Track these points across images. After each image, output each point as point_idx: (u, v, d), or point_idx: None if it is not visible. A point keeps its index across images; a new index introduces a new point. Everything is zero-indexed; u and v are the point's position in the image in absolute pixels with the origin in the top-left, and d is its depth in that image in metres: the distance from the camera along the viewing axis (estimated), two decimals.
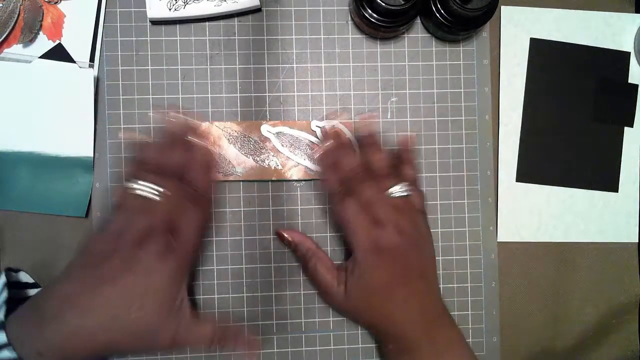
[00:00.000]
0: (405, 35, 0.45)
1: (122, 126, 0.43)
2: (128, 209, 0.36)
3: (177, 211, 0.36)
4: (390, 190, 0.37)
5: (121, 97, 0.43)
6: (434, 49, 0.45)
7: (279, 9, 0.44)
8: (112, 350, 0.35)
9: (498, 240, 0.45)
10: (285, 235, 0.41)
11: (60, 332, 0.32)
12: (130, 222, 0.35)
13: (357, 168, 0.38)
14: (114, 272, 0.33)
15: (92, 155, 0.42)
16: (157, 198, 0.35)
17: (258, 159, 0.43)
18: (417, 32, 0.45)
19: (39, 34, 0.42)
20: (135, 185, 0.36)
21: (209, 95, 0.43)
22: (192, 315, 0.36)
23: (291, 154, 0.43)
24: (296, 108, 0.44)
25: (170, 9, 0.42)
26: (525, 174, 0.45)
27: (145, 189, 0.36)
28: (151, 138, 0.42)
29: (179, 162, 0.38)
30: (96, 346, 0.33)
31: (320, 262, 0.39)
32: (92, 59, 0.42)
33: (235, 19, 0.44)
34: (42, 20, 0.42)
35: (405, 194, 0.38)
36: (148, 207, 0.35)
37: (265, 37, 0.44)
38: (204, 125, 0.43)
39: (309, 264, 0.40)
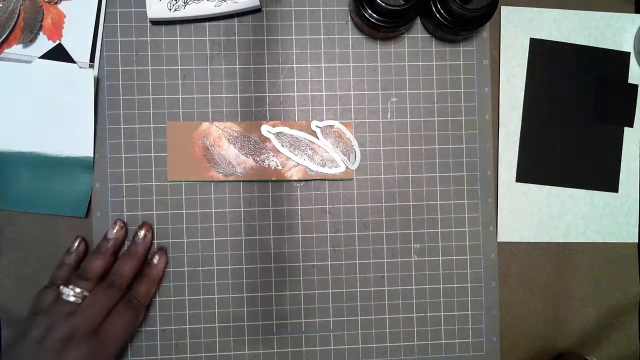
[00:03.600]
0: (405, 35, 0.45)
1: (122, 126, 0.43)
2: (50, 314, 0.36)
3: (102, 313, 0.37)
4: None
5: (121, 97, 0.43)
6: (434, 49, 0.45)
7: (279, 9, 0.44)
8: None
9: (498, 240, 0.45)
10: None
11: None
12: (52, 328, 0.35)
13: None
14: None
15: (92, 155, 0.42)
16: (79, 301, 0.37)
17: (258, 159, 0.43)
18: (417, 32, 0.45)
19: (39, 34, 0.42)
20: (63, 289, 0.37)
21: (209, 95, 0.43)
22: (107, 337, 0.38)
23: (291, 154, 0.43)
24: (296, 108, 0.44)
25: (170, 9, 0.42)
26: (525, 174, 0.45)
27: (70, 292, 0.37)
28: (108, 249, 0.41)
29: (128, 273, 0.40)
30: None
31: None
32: (92, 59, 0.43)
33: (235, 19, 0.44)
34: (42, 21, 0.42)
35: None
36: (70, 311, 0.36)
37: (265, 38, 0.44)
38: (204, 125, 0.43)
39: None
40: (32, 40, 0.42)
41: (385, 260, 0.44)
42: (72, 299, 0.37)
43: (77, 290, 0.37)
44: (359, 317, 0.44)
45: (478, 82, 0.45)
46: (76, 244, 0.41)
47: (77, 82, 0.42)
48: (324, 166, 0.43)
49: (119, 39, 0.43)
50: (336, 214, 0.44)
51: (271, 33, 0.44)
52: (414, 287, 0.44)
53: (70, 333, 0.35)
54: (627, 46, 0.46)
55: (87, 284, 0.38)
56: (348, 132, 0.44)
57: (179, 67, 0.43)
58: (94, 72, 0.42)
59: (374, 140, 0.44)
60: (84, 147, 0.42)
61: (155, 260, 0.41)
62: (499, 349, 0.44)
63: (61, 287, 0.38)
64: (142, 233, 0.41)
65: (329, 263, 0.44)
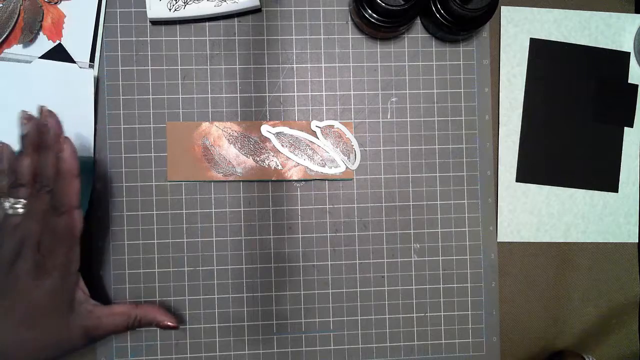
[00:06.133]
0: (405, 35, 0.45)
1: (122, 126, 0.43)
2: (1, 230, 0.35)
3: (40, 222, 0.35)
4: None
5: (121, 97, 0.43)
6: (434, 49, 0.45)
7: (279, 9, 0.44)
8: None
9: (498, 240, 0.45)
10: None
11: None
12: (1, 244, 0.34)
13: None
14: None
15: (92, 155, 0.42)
16: (21, 211, 0.35)
17: (258, 159, 0.43)
18: (417, 32, 0.45)
19: (39, 34, 0.42)
20: (4, 203, 0.35)
21: (209, 95, 0.43)
22: (95, 309, 0.37)
23: (291, 154, 0.43)
24: (296, 108, 0.44)
25: (170, 9, 0.42)
26: (525, 174, 0.45)
27: (8, 205, 0.35)
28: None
29: (35, 171, 0.36)
30: None
31: None
32: (92, 59, 0.43)
33: (235, 19, 0.44)
34: (42, 21, 0.42)
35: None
36: (16, 222, 0.35)
37: (265, 37, 0.44)
38: (204, 125, 0.43)
39: None
40: (32, 40, 0.42)
41: (385, 260, 0.44)
42: (18, 210, 0.35)
43: (15, 202, 0.35)
44: (359, 317, 0.44)
45: (478, 82, 0.45)
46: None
47: (77, 82, 0.42)
48: (324, 166, 0.43)
49: (119, 39, 0.43)
50: (336, 214, 0.44)
51: (271, 33, 0.44)
52: (414, 287, 0.44)
53: (14, 248, 0.34)
54: (627, 46, 0.46)
55: (23, 192, 0.35)
56: (348, 132, 0.44)
57: (179, 67, 0.43)
58: (94, 72, 0.42)
59: (374, 140, 0.44)
60: (84, 147, 0.42)
61: (65, 153, 0.36)
62: (499, 349, 0.44)
63: (3, 202, 0.35)
64: (45, 120, 0.36)
65: (329, 263, 0.44)
